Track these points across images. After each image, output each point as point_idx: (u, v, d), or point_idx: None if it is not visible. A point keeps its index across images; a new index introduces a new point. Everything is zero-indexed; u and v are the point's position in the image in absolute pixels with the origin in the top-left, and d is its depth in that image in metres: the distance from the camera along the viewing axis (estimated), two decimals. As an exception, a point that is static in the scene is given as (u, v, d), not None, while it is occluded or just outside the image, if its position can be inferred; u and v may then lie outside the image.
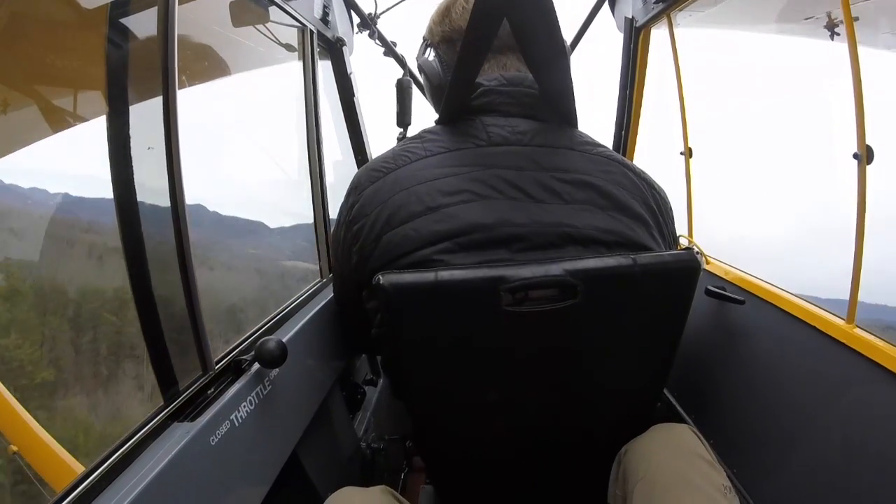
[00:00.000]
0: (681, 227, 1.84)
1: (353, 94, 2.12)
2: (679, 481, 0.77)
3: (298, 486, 1.08)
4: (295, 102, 1.62)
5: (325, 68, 1.98)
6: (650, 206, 0.92)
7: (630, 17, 2.20)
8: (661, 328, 0.90)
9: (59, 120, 1.03)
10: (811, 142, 1.79)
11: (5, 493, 0.91)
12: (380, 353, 1.23)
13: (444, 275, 0.79)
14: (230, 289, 1.50)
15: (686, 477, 0.78)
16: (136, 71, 0.82)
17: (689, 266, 0.84)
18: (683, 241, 1.84)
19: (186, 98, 0.85)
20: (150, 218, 0.79)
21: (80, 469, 0.72)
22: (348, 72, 2.07)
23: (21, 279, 0.98)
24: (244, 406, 0.85)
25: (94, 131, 0.82)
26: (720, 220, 2.13)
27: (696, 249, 1.62)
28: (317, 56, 1.67)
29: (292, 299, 1.25)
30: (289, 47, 1.62)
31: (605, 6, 2.22)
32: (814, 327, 1.22)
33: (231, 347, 0.96)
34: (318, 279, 1.49)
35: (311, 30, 1.62)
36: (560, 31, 0.88)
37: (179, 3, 0.82)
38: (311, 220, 1.58)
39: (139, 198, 0.77)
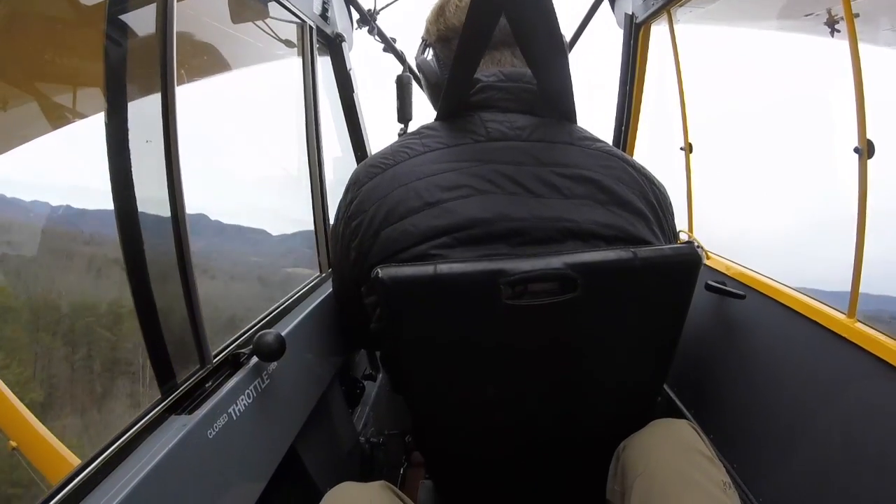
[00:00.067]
0: (681, 223, 1.84)
1: (352, 91, 2.11)
2: (678, 477, 0.77)
3: (297, 480, 1.08)
4: (294, 99, 1.62)
5: (324, 64, 1.98)
6: (650, 201, 0.92)
7: (630, 13, 2.19)
8: (661, 323, 0.90)
9: (57, 116, 1.03)
10: (812, 137, 1.79)
11: (5, 491, 0.92)
12: (379, 349, 1.23)
13: (444, 268, 0.78)
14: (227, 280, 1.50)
15: (685, 473, 0.77)
16: (135, 68, 0.82)
17: (689, 259, 0.84)
18: (684, 237, 1.84)
19: (185, 94, 0.85)
20: (147, 211, 0.78)
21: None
22: (348, 68, 2.07)
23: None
24: (242, 399, 0.84)
25: (93, 127, 0.82)
26: (721, 215, 2.12)
27: (696, 244, 1.62)
28: (316, 52, 1.66)
29: (291, 293, 1.25)
30: (288, 43, 1.62)
31: (605, 3, 2.22)
32: (815, 322, 1.22)
33: (229, 340, 0.95)
34: (318, 273, 1.48)
35: (310, 26, 1.62)
36: (559, 29, 0.87)
37: (178, 0, 0.81)
38: (310, 218, 1.58)
39: (136, 191, 0.77)
